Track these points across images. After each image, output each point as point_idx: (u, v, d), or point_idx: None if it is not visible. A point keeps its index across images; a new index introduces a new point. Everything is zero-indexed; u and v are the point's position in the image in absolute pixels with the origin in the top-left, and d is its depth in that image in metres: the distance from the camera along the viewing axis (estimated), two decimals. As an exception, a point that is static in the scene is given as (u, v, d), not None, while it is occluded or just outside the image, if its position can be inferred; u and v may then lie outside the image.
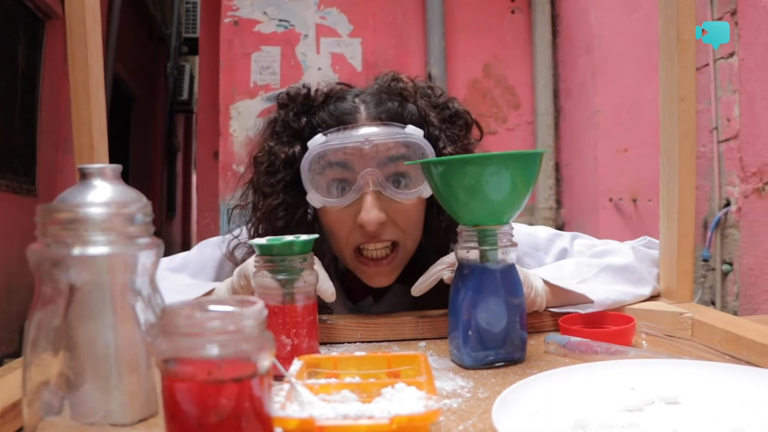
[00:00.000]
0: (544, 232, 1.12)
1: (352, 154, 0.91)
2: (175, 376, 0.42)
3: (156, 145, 7.33)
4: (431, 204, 0.98)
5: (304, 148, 0.94)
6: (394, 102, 0.96)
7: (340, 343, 0.89)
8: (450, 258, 0.86)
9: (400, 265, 0.98)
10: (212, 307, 0.45)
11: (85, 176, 0.67)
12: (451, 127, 0.98)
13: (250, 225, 1.00)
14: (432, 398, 0.48)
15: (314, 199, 0.94)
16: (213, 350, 0.41)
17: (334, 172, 0.92)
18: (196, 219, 4.38)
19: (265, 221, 0.97)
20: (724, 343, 0.77)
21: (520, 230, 1.07)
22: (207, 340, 0.41)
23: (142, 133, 6.60)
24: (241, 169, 3.50)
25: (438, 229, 0.99)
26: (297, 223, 0.96)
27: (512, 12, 3.65)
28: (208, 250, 1.11)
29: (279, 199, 0.96)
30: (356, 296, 1.07)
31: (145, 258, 0.50)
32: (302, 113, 0.98)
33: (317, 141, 0.92)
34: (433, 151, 0.93)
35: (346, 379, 0.57)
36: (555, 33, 3.60)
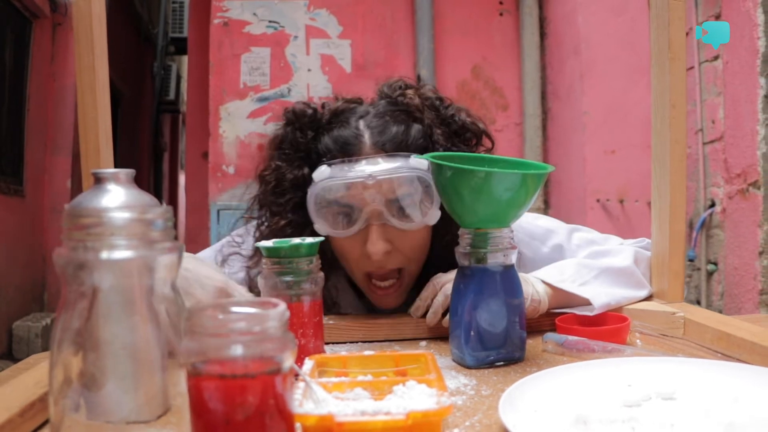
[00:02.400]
0: (544, 221, 1.14)
1: (356, 189, 0.92)
2: (203, 376, 0.44)
3: (143, 144, 7.31)
4: (436, 226, 0.98)
5: (311, 171, 0.95)
6: (399, 126, 0.96)
7: (342, 342, 0.92)
8: (445, 278, 0.89)
9: (407, 288, 1.01)
10: (235, 309, 0.47)
11: (99, 181, 0.68)
12: (458, 141, 0.99)
13: (255, 240, 1.02)
14: (444, 395, 0.51)
15: (321, 229, 0.95)
16: (239, 350, 0.43)
17: (339, 205, 0.94)
18: (184, 219, 4.38)
19: (274, 238, 0.95)
20: (715, 342, 0.80)
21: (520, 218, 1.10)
22: (233, 340, 0.43)
23: (128, 132, 6.57)
24: (231, 169, 3.52)
25: (442, 249, 0.99)
26: None
27: (500, 14, 3.69)
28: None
29: (287, 218, 0.98)
30: (371, 304, 1.08)
31: (167, 261, 0.52)
32: (308, 133, 0.98)
33: (322, 174, 0.93)
34: (433, 180, 0.91)
35: (358, 377, 0.59)
36: (543, 35, 3.64)
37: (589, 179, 3.18)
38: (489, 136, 1.03)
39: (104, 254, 0.49)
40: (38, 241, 4.42)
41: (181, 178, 9.02)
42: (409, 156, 0.93)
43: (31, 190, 4.32)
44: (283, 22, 3.51)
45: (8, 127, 4.13)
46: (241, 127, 3.47)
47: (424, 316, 0.92)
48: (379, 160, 0.93)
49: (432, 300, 0.90)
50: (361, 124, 0.96)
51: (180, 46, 7.24)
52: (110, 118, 0.96)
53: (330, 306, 1.05)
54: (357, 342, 0.92)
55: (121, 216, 0.51)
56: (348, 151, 0.94)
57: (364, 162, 0.92)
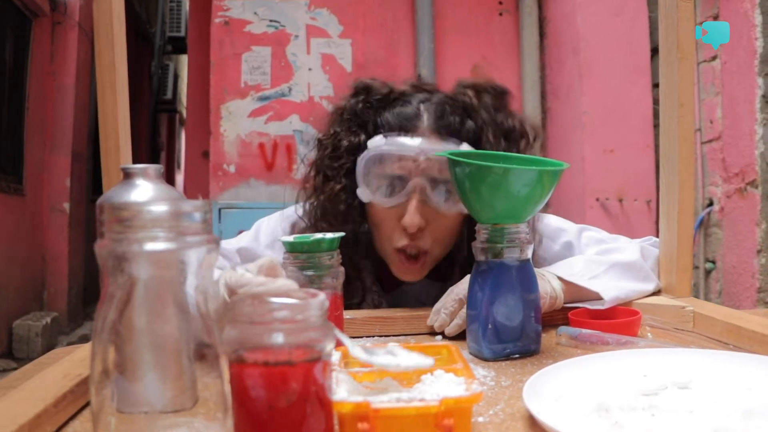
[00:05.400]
0: (554, 220, 1.17)
1: (406, 162, 0.97)
2: (247, 363, 0.45)
3: (140, 144, 7.30)
4: (470, 219, 1.02)
5: (367, 140, 1.01)
6: (456, 116, 1.00)
7: (359, 337, 0.93)
8: (461, 291, 0.90)
9: (428, 267, 1.05)
10: (275, 299, 0.48)
11: (128, 176, 0.70)
12: (508, 144, 1.03)
13: (309, 204, 1.07)
14: (473, 382, 0.52)
15: (364, 194, 1.01)
16: (283, 338, 0.45)
17: (387, 174, 0.99)
18: (184, 218, 4.38)
19: (329, 202, 1.04)
20: (725, 334, 0.82)
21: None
22: (277, 328, 0.45)
23: (126, 132, 6.56)
24: (232, 168, 3.54)
25: (471, 236, 1.04)
26: (356, 208, 1.03)
27: (500, 14, 3.71)
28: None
29: (341, 183, 1.03)
30: (389, 286, 1.14)
31: (204, 254, 0.53)
32: (372, 107, 1.04)
33: (377, 142, 0.99)
34: None
35: (387, 367, 0.61)
36: (542, 35, 3.66)
37: (589, 178, 3.21)
38: (538, 137, 1.07)
39: (144, 246, 0.51)
40: (38, 240, 4.42)
41: (178, 178, 9.02)
42: (461, 143, 0.98)
43: (31, 188, 4.32)
44: (284, 22, 3.52)
45: (8, 125, 4.13)
46: (242, 126, 3.48)
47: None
48: (433, 140, 0.98)
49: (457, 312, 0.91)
50: (422, 106, 1.01)
51: (177, 46, 7.24)
52: (129, 116, 0.97)
53: (359, 303, 1.09)
54: (373, 336, 0.94)
55: (161, 209, 0.52)
56: (405, 127, 1.00)
57: (419, 139, 0.97)
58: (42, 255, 4.46)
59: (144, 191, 0.68)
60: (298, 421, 0.46)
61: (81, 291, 4.86)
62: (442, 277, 1.11)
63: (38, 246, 4.43)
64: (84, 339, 4.41)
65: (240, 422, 0.47)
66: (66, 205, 4.51)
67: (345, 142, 1.03)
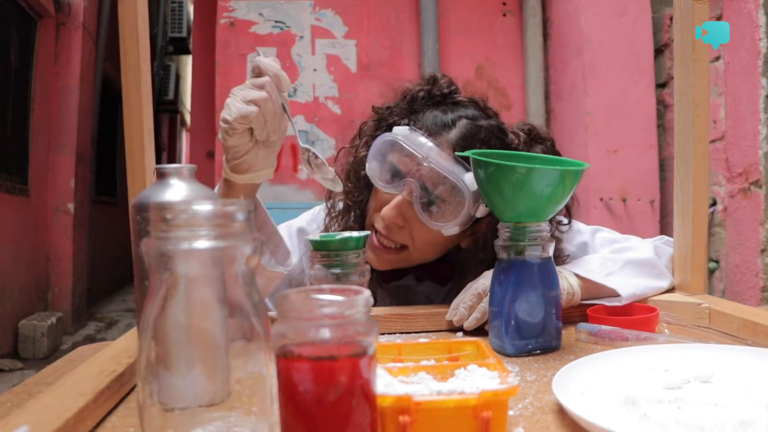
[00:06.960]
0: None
1: (410, 160, 0.99)
2: (296, 358, 0.47)
3: (142, 144, 7.31)
4: (477, 247, 1.07)
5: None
6: (484, 146, 1.00)
7: (381, 334, 0.95)
8: (479, 286, 0.92)
9: (398, 262, 1.07)
10: (320, 295, 0.50)
11: (162, 176, 0.72)
12: None
13: (346, 168, 1.13)
14: (509, 376, 0.54)
15: (370, 170, 1.04)
16: (332, 333, 0.46)
17: (392, 162, 1.02)
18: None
19: (355, 164, 1.10)
20: (741, 330, 0.84)
21: None
22: (325, 323, 0.46)
23: (128, 132, 6.57)
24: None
25: (472, 264, 1.06)
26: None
27: (504, 15, 3.73)
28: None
29: (368, 152, 1.07)
30: (389, 278, 1.15)
31: (247, 252, 0.55)
32: (427, 98, 1.07)
33: (400, 130, 1.02)
34: (472, 203, 0.98)
35: (422, 362, 0.62)
36: (546, 36, 3.68)
37: (592, 178, 3.22)
38: (568, 210, 1.07)
39: (190, 244, 0.52)
40: (42, 241, 4.43)
41: (179, 178, 9.02)
42: (469, 170, 0.97)
43: (35, 189, 4.33)
44: (289, 23, 3.54)
45: (13, 126, 4.14)
46: (246, 126, 3.49)
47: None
48: (445, 155, 0.98)
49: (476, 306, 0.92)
50: (460, 121, 1.01)
51: (179, 46, 7.26)
52: (152, 116, 0.98)
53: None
54: (394, 333, 0.95)
55: (207, 208, 0.54)
56: (432, 131, 1.01)
57: (433, 146, 0.99)
58: (46, 255, 4.47)
59: (178, 191, 0.70)
60: (345, 414, 0.47)
61: (85, 291, 4.87)
62: (445, 280, 1.14)
63: (43, 246, 4.44)
64: (89, 339, 4.41)
65: (288, 416, 0.49)
66: (70, 206, 4.53)
67: (390, 120, 1.07)
